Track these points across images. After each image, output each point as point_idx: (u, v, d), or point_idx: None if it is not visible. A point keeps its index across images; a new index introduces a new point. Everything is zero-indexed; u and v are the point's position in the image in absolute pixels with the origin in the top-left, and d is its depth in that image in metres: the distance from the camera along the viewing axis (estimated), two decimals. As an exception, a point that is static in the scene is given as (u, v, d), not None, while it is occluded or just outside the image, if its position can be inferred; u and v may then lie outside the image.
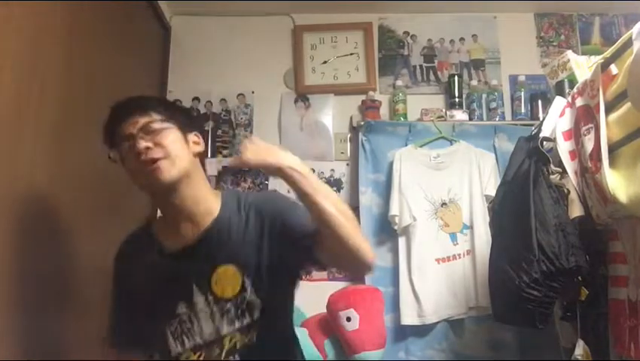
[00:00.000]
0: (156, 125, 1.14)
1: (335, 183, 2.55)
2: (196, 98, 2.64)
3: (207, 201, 1.19)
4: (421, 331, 2.24)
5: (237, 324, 1.15)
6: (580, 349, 1.48)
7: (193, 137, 1.21)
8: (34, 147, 1.43)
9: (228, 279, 1.15)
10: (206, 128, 2.62)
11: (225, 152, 2.59)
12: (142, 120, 1.14)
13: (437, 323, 2.23)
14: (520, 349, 2.21)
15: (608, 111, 1.39)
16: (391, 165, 2.38)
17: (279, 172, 1.06)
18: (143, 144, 1.11)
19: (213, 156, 2.58)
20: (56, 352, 1.51)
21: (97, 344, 1.86)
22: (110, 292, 1.30)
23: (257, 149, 1.07)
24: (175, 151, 1.13)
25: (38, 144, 1.45)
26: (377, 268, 2.34)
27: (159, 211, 1.29)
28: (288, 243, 1.14)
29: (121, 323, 1.26)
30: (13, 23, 1.32)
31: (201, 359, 1.15)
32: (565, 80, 1.77)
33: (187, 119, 1.24)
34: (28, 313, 1.39)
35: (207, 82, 2.65)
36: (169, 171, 1.12)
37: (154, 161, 1.11)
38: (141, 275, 1.20)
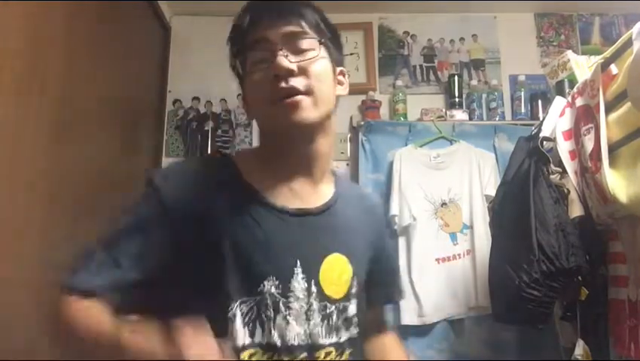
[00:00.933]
0: (307, 44, 0.84)
1: (335, 183, 2.55)
2: (196, 98, 2.64)
3: (327, 169, 0.95)
4: (421, 331, 2.24)
5: (335, 337, 0.85)
6: (580, 349, 1.48)
7: (340, 74, 0.95)
8: (34, 146, 1.43)
9: (338, 275, 0.87)
10: (206, 128, 2.62)
11: (225, 152, 2.59)
12: (291, 28, 0.83)
13: (437, 323, 2.23)
14: (520, 349, 2.20)
15: (608, 111, 1.39)
16: (391, 165, 2.38)
17: None
18: (285, 63, 0.81)
19: (213, 156, 2.58)
20: (58, 351, 1.51)
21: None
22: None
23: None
24: (323, 88, 0.85)
25: (38, 144, 1.45)
26: (377, 268, 2.34)
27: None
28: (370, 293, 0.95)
29: (105, 263, 0.82)
30: (13, 23, 1.32)
31: None
32: (565, 80, 1.76)
33: (340, 48, 0.96)
34: (27, 311, 1.39)
35: (207, 82, 2.65)
36: (310, 111, 0.83)
37: (294, 93, 0.82)
38: (219, 220, 0.82)
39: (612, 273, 1.49)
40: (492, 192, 2.10)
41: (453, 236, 2.29)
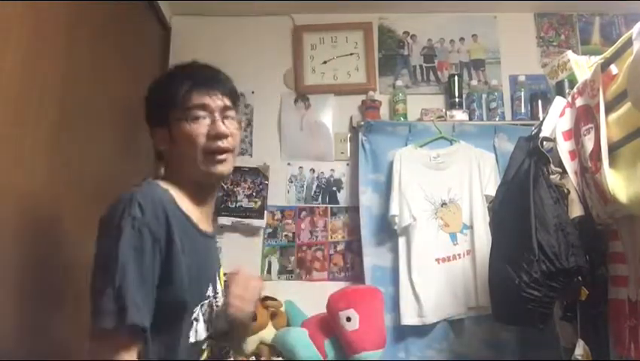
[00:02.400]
0: (233, 113, 1.14)
1: (335, 183, 2.55)
2: (196, 98, 2.64)
3: None
4: (421, 331, 2.24)
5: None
6: (580, 349, 1.48)
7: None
8: (34, 147, 1.43)
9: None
10: (206, 128, 2.62)
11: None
12: (225, 101, 1.13)
13: (437, 323, 2.23)
14: (520, 349, 2.21)
15: (608, 111, 1.39)
16: (391, 165, 2.38)
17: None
18: (223, 128, 1.09)
19: (213, 156, 2.58)
20: (56, 350, 1.51)
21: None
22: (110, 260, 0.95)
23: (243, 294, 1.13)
24: (236, 146, 1.14)
25: (38, 144, 1.45)
26: (377, 268, 2.34)
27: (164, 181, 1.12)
28: None
29: (143, 298, 0.93)
30: (13, 23, 1.32)
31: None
32: (565, 80, 1.76)
33: (238, 105, 1.23)
34: (28, 312, 1.39)
35: (207, 82, 2.65)
36: (230, 164, 1.12)
37: (225, 151, 1.09)
38: (181, 245, 1.00)
39: (612, 273, 1.49)
40: (492, 192, 2.10)
41: (453, 236, 2.29)
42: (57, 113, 1.54)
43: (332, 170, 2.57)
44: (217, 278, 1.17)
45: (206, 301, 1.09)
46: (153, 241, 0.96)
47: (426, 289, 2.22)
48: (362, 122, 2.47)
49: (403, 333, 2.26)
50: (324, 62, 2.67)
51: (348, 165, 2.56)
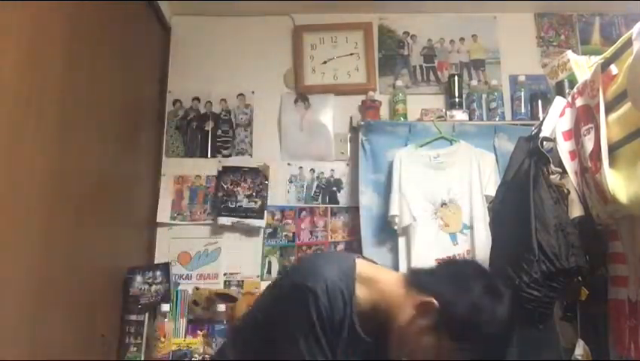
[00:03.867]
0: None
1: (335, 183, 2.55)
2: (196, 98, 2.64)
3: None
4: (421, 331, 2.24)
5: None
6: (580, 349, 1.48)
7: None
8: (34, 147, 1.43)
9: None
10: (206, 128, 2.62)
11: (225, 152, 2.60)
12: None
13: (437, 323, 2.23)
14: (520, 349, 2.20)
15: (608, 111, 1.39)
16: (391, 165, 2.37)
17: None
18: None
19: (213, 156, 2.58)
20: (57, 351, 1.51)
21: (96, 342, 1.86)
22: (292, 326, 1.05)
23: None
24: None
25: (38, 144, 1.45)
26: (377, 268, 2.34)
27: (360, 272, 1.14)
28: None
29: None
30: (13, 23, 1.32)
31: None
32: (565, 80, 1.76)
33: None
34: (28, 312, 1.40)
35: (207, 82, 2.65)
36: None
37: None
38: (330, 336, 1.05)
39: (612, 273, 1.49)
40: (492, 192, 2.10)
41: (453, 236, 2.29)
42: (57, 113, 1.54)
43: (332, 170, 2.57)
44: None
45: None
46: (321, 323, 1.03)
47: (426, 289, 2.22)
48: (362, 122, 2.47)
49: (403, 333, 2.26)
50: (324, 62, 2.67)
51: (348, 165, 2.56)
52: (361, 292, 1.08)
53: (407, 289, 1.12)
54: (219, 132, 2.61)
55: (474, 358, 1.05)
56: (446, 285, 1.09)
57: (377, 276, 1.15)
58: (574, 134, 1.56)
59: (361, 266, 1.13)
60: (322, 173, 2.56)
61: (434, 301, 1.06)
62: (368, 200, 2.41)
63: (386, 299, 1.11)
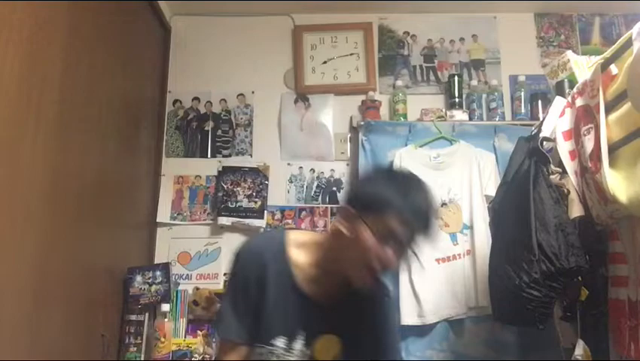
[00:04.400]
0: (411, 254, 1.16)
1: (335, 183, 2.55)
2: (196, 98, 2.65)
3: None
4: (421, 331, 2.24)
5: None
6: (580, 349, 1.48)
7: None
8: (34, 147, 1.43)
9: (330, 348, 1.21)
10: (206, 128, 2.62)
11: (225, 152, 2.60)
12: (414, 246, 1.14)
13: (437, 323, 2.23)
14: (520, 349, 2.20)
15: (608, 111, 1.39)
16: (391, 165, 2.37)
17: None
18: (393, 263, 1.12)
19: (213, 156, 2.58)
20: (57, 351, 1.51)
21: (97, 342, 1.86)
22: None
23: None
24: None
25: (38, 144, 1.45)
26: (377, 268, 2.34)
27: (291, 238, 1.24)
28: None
29: (229, 315, 1.22)
30: (13, 23, 1.32)
31: None
32: (565, 80, 1.76)
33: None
34: (28, 312, 1.40)
35: (207, 82, 2.66)
36: (376, 283, 1.18)
37: (377, 275, 1.14)
38: (269, 290, 1.18)
39: (612, 273, 1.49)
40: (492, 192, 2.10)
41: (453, 236, 2.29)
42: (57, 112, 1.54)
43: (332, 170, 2.57)
44: (300, 337, 1.19)
45: (268, 349, 1.17)
46: (244, 281, 1.19)
47: (426, 289, 2.22)
48: (362, 122, 2.47)
49: (403, 333, 2.26)
50: (324, 62, 2.67)
51: (348, 165, 2.56)
52: (294, 253, 1.21)
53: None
54: (219, 132, 2.61)
55: (403, 241, 1.10)
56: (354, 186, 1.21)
57: (308, 236, 1.28)
58: (574, 134, 1.56)
59: (291, 233, 1.26)
60: (322, 173, 2.56)
61: (347, 205, 1.15)
62: (368, 200, 2.41)
63: (318, 246, 1.22)
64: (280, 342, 1.18)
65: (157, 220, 2.48)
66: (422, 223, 1.12)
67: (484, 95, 2.60)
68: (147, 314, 2.17)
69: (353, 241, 1.10)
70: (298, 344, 1.19)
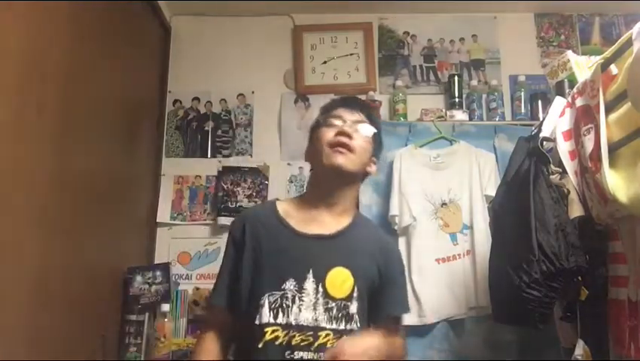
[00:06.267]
0: (361, 127, 1.33)
1: (335, 183, 2.55)
2: (196, 98, 2.65)
3: (347, 209, 1.36)
4: (421, 331, 2.24)
5: (334, 325, 1.23)
6: (580, 349, 1.48)
7: (373, 159, 1.39)
8: (34, 147, 1.43)
9: (342, 282, 1.25)
10: (206, 128, 2.62)
11: (225, 152, 2.60)
12: (357, 116, 1.34)
13: (437, 323, 2.23)
14: (520, 349, 2.20)
15: (608, 111, 1.39)
16: (391, 164, 2.37)
17: None
18: (348, 129, 1.30)
19: (213, 156, 2.58)
20: (57, 351, 1.51)
21: (97, 342, 1.86)
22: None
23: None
24: (360, 155, 1.31)
25: (39, 144, 1.45)
26: (377, 268, 2.34)
27: (279, 201, 1.40)
28: (375, 305, 1.31)
29: (224, 283, 1.31)
30: (14, 23, 1.32)
31: (291, 338, 1.21)
32: (565, 80, 1.76)
33: (379, 148, 1.42)
34: (28, 312, 1.40)
35: (207, 82, 2.66)
36: (347, 161, 1.28)
37: (344, 146, 1.28)
38: (264, 243, 1.29)
39: (612, 273, 1.49)
40: (492, 192, 2.10)
41: (453, 236, 2.29)
42: (58, 112, 1.54)
43: (332, 170, 2.56)
44: (308, 275, 1.24)
45: (279, 293, 1.22)
46: (233, 245, 1.34)
47: (426, 289, 2.22)
48: (362, 122, 2.47)
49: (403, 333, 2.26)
50: (324, 62, 2.67)
51: (348, 165, 2.56)
52: (283, 206, 1.36)
53: None
54: (219, 132, 2.61)
55: (339, 113, 1.36)
56: None
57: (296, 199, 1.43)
58: (574, 134, 1.56)
59: (282, 202, 1.39)
60: (322, 173, 2.56)
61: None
62: (368, 200, 2.41)
63: (302, 194, 1.40)
64: (290, 284, 1.23)
65: (157, 220, 2.48)
66: (341, 99, 1.44)
67: (484, 95, 2.60)
68: (147, 314, 2.17)
69: (315, 143, 1.34)
70: (309, 283, 1.23)
